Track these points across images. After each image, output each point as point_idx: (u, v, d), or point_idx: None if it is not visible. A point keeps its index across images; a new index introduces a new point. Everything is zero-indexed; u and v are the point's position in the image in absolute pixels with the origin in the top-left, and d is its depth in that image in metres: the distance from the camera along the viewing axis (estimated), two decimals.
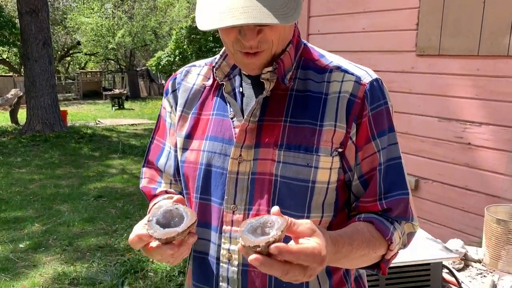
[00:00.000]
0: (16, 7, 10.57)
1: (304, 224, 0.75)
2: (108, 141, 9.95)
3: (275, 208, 0.76)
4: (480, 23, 2.78)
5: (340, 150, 0.93)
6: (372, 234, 0.91)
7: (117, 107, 16.53)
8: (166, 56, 16.28)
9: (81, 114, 15.19)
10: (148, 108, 16.76)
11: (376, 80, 0.96)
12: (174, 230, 0.76)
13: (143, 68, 24.83)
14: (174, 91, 1.08)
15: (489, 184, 2.88)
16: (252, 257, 0.69)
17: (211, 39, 14.65)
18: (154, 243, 0.79)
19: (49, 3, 11.43)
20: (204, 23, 0.83)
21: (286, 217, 0.74)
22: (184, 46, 15.50)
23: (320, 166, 0.91)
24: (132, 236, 0.81)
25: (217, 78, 1.00)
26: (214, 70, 1.01)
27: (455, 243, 2.00)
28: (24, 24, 9.91)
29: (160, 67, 16.59)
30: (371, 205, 0.95)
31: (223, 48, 1.02)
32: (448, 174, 3.10)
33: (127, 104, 17.77)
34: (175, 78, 1.10)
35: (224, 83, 1.00)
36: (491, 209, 1.92)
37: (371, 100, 0.93)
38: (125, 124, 12.55)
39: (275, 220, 0.73)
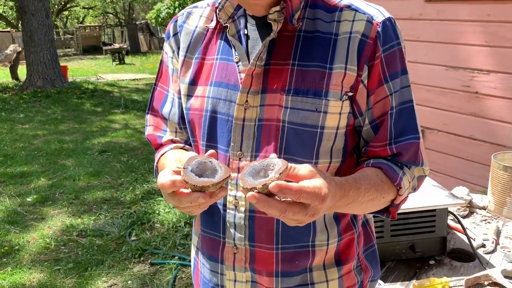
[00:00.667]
0: None
1: (303, 167, 0.74)
2: (110, 96, 9.90)
3: (273, 155, 0.75)
4: None
5: (350, 94, 0.89)
6: (381, 179, 0.90)
7: (117, 62, 16.33)
8: (166, 8, 15.90)
9: (81, 69, 15.02)
10: (149, 63, 16.54)
11: (389, 19, 0.90)
12: (209, 180, 0.75)
13: (142, 22, 24.32)
14: (175, 34, 1.03)
15: (495, 133, 2.86)
16: (249, 194, 0.69)
17: None
18: (186, 190, 0.78)
19: None
20: None
21: (287, 162, 0.73)
22: None
23: (329, 111, 0.88)
24: (164, 180, 0.77)
25: (221, 20, 0.95)
26: (217, 12, 0.95)
27: (461, 191, 2.00)
28: None
29: (160, 20, 16.24)
30: (381, 149, 0.93)
31: None
32: (454, 123, 3.08)
33: (127, 59, 17.54)
34: (176, 21, 1.05)
35: (228, 25, 0.94)
36: (498, 156, 1.91)
37: (384, 40, 0.88)
38: (126, 79, 12.43)
39: (277, 163, 0.72)
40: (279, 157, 0.91)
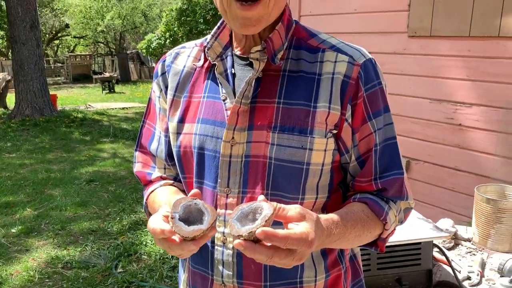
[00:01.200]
0: None
1: (293, 209, 0.75)
2: (99, 125, 9.88)
3: (261, 197, 0.76)
4: (472, 4, 2.77)
5: (334, 131, 0.92)
6: (367, 214, 0.92)
7: (107, 91, 16.38)
8: (157, 39, 16.09)
9: (71, 98, 15.03)
10: (139, 92, 16.62)
11: (370, 60, 0.95)
12: (199, 228, 0.76)
13: (133, 51, 24.52)
14: (163, 73, 1.06)
15: (479, 165, 2.91)
16: (236, 242, 0.71)
17: (201, 21, 14.48)
18: (176, 238, 0.79)
19: None
20: None
21: (275, 203, 0.74)
22: (175, 29, 15.31)
23: (315, 148, 0.91)
24: (154, 226, 0.78)
25: (209, 58, 0.98)
26: (206, 50, 0.99)
27: (445, 223, 2.03)
28: (11, 6, 9.71)
29: (150, 49, 16.40)
30: (366, 184, 0.96)
31: (215, 28, 1.00)
32: (439, 155, 3.13)
33: (117, 88, 17.60)
34: (164, 61, 1.08)
35: (216, 63, 0.98)
36: (481, 189, 1.94)
37: (366, 80, 0.92)
38: (116, 108, 12.45)
39: (265, 207, 0.74)
40: (267, 193, 0.93)
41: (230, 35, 0.99)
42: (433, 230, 1.63)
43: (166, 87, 1.05)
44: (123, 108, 12.50)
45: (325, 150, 0.92)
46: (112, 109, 12.30)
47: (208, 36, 1.01)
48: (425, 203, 3.25)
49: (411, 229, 1.62)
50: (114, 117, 11.12)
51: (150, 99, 1.12)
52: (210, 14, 14.02)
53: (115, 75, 18.59)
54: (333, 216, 0.86)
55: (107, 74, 18.21)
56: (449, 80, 3.00)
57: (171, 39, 15.41)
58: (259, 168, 0.92)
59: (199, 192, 0.84)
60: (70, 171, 6.31)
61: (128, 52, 24.58)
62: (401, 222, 1.01)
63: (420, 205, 3.27)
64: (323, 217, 0.83)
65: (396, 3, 3.19)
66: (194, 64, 1.03)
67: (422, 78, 3.14)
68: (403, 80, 3.24)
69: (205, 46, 1.00)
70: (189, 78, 1.03)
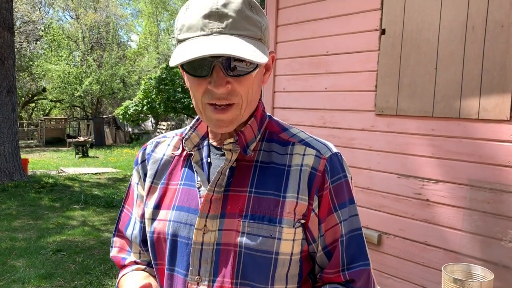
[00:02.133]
0: None
1: None
2: (70, 191, 9.67)
3: None
4: (433, 87, 2.97)
5: (302, 221, 0.96)
6: None
7: (81, 155, 16.20)
8: (134, 106, 16.30)
9: (43, 162, 14.76)
10: (113, 156, 16.49)
11: (336, 154, 1.01)
12: None
13: (109, 115, 24.66)
14: (143, 161, 1.11)
15: (447, 240, 2.98)
16: None
17: (179, 90, 14.82)
18: None
19: (15, 50, 11.35)
20: (177, 59, 0.85)
21: None
22: (153, 96, 15.59)
23: (283, 237, 0.94)
24: None
25: (186, 148, 1.03)
26: (184, 141, 1.04)
27: None
28: None
29: (127, 116, 16.54)
30: (334, 276, 0.99)
31: (193, 121, 1.07)
32: (408, 229, 3.19)
33: (91, 152, 17.45)
34: (145, 149, 1.13)
35: (193, 153, 1.03)
36: (448, 268, 1.99)
37: (331, 173, 0.98)
38: (88, 173, 12.27)
39: None
40: (236, 282, 0.95)
41: (207, 126, 1.06)
42: None
43: (145, 174, 1.09)
44: (95, 173, 12.32)
45: (293, 240, 0.95)
46: (85, 174, 12.12)
47: (187, 127, 1.07)
48: (397, 278, 3.26)
49: None
50: (86, 182, 10.92)
51: (130, 184, 1.15)
52: None
53: (89, 139, 18.52)
54: None
55: (81, 138, 18.12)
56: (416, 157, 3.14)
57: (148, 106, 15.63)
58: (230, 256, 0.94)
59: (150, 284, 0.87)
60: (37, 240, 6.07)
61: (104, 116, 24.68)
62: None
63: (392, 280, 3.28)
64: None
65: (364, 84, 3.39)
66: (173, 153, 1.08)
67: (390, 154, 3.28)
68: (372, 155, 3.38)
69: (183, 137, 1.05)
70: (168, 166, 1.07)
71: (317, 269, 1.02)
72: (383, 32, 3.25)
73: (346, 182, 1.01)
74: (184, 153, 1.06)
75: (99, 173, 12.42)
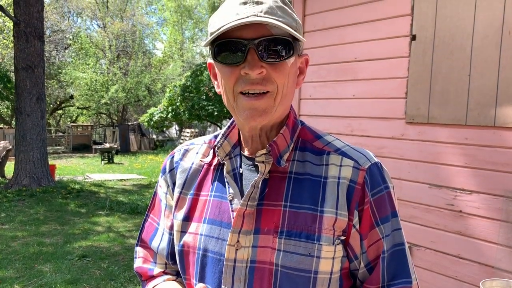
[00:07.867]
0: (13, 62, 10.72)
1: None
2: (96, 197, 9.80)
3: None
4: (467, 94, 2.87)
5: (342, 238, 0.91)
6: None
7: (106, 161, 16.45)
8: (159, 113, 16.49)
9: (69, 168, 15.04)
10: (138, 163, 16.68)
11: (375, 164, 0.95)
12: None
13: (134, 122, 25.02)
14: (171, 170, 1.06)
15: (482, 253, 2.85)
16: None
17: (204, 98, 14.91)
18: None
19: (45, 58, 11.65)
20: (213, 34, 0.87)
21: None
22: (177, 103, 15.74)
23: (322, 256, 0.89)
24: None
25: (219, 157, 0.98)
26: (216, 149, 0.99)
27: None
28: (20, 79, 10.02)
29: (152, 122, 16.74)
30: None
31: (224, 128, 1.03)
32: (440, 241, 3.08)
33: (116, 158, 17.69)
34: (172, 157, 1.08)
35: (226, 162, 0.98)
36: (486, 284, 1.89)
37: (372, 185, 0.92)
38: (113, 180, 12.42)
39: None
40: None
41: (239, 134, 1.01)
42: None
43: (174, 184, 1.04)
44: (121, 180, 12.47)
45: (333, 258, 0.90)
46: (110, 180, 12.27)
47: (219, 135, 1.02)
48: None
49: None
50: (111, 188, 11.06)
51: (155, 193, 1.11)
52: (213, 91, 14.49)
53: (115, 146, 18.79)
54: None
55: (107, 145, 18.41)
56: (448, 166, 3.03)
57: (173, 113, 15.78)
58: (265, 275, 0.89)
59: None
60: (63, 245, 6.15)
61: (129, 123, 25.05)
62: None
63: None
64: None
65: (394, 91, 3.30)
66: (201, 161, 1.03)
67: (421, 163, 3.18)
68: (402, 164, 3.28)
69: (215, 145, 1.00)
70: (197, 175, 1.02)
71: (358, 283, 0.97)
72: (413, 38, 3.16)
73: (388, 194, 0.95)
74: (215, 161, 1.01)
75: (124, 180, 12.56)
